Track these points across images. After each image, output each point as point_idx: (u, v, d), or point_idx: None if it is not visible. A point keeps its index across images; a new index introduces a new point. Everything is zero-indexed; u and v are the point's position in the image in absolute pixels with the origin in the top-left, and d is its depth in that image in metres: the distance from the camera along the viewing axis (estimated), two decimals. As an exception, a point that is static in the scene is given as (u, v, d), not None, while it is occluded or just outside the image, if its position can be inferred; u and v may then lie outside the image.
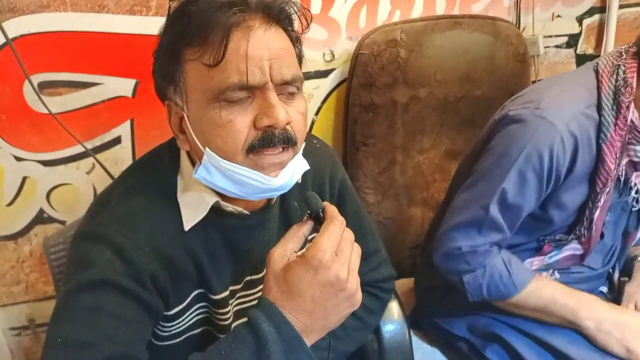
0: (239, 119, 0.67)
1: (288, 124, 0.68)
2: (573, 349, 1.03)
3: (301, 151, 0.74)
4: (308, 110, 1.47)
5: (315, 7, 1.40)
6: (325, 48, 1.46)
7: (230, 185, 0.70)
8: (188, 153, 0.76)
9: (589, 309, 1.04)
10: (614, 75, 1.00)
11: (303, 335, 0.61)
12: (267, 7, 0.67)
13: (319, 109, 1.52)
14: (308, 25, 0.75)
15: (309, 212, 0.68)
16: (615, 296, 1.20)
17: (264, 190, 0.71)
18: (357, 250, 0.66)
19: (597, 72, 1.03)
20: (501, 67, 1.47)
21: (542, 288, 1.06)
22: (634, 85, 0.97)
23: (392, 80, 1.40)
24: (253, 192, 0.71)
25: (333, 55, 1.47)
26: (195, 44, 0.67)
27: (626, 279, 1.23)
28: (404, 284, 1.41)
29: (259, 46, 0.66)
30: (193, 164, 0.76)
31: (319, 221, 0.67)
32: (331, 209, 0.67)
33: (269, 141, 0.67)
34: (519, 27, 1.62)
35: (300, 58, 0.77)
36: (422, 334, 1.30)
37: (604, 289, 1.22)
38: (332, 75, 1.49)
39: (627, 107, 0.97)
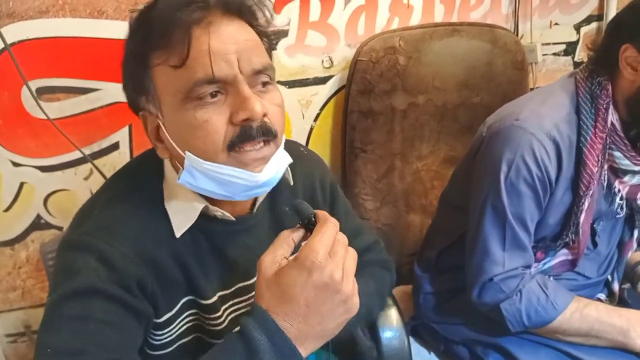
0: (215, 117, 0.66)
1: (265, 116, 0.67)
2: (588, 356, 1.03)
3: (283, 145, 0.73)
4: (307, 116, 1.50)
5: (314, 13, 1.40)
6: (324, 55, 1.46)
7: (215, 186, 0.70)
8: (170, 160, 0.76)
9: None
10: (589, 80, 1.02)
11: (297, 342, 0.60)
12: (226, 3, 0.67)
13: (318, 115, 1.52)
14: (271, 16, 0.73)
15: (300, 220, 0.67)
16: (615, 304, 1.20)
17: (250, 188, 0.70)
18: (352, 254, 0.65)
19: (576, 78, 1.05)
20: (499, 74, 1.48)
21: (584, 308, 1.03)
22: (609, 88, 0.99)
23: (390, 87, 1.40)
24: (239, 191, 0.70)
25: (332, 62, 1.47)
26: (160, 47, 0.66)
27: (627, 285, 1.23)
28: (402, 291, 1.40)
29: (224, 40, 0.65)
30: (176, 170, 0.75)
31: (310, 228, 0.66)
32: (323, 213, 0.66)
33: (248, 135, 0.66)
34: (517, 35, 1.62)
35: (270, 52, 0.75)
36: (421, 341, 1.29)
37: (602, 296, 1.21)
38: (330, 82, 1.50)
39: (606, 110, 0.99)
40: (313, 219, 0.66)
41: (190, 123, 0.66)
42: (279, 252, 0.64)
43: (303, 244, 0.64)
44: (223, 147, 0.67)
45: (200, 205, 0.74)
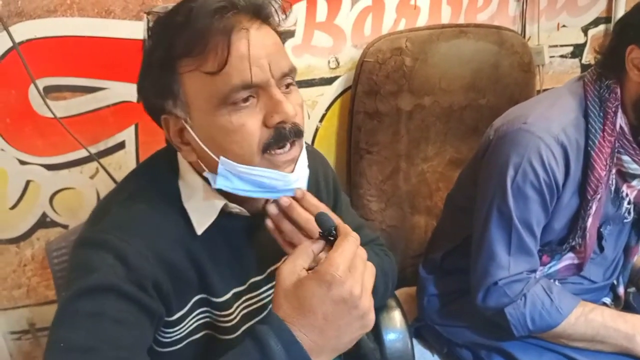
0: (250, 121, 0.67)
1: (294, 117, 0.69)
2: None
3: (304, 144, 0.76)
4: (313, 117, 1.50)
5: (321, 14, 1.40)
6: (331, 55, 1.46)
7: (251, 187, 0.71)
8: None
9: None
10: (598, 82, 1.01)
11: (313, 354, 0.59)
12: (255, 8, 0.69)
13: (324, 116, 1.52)
14: (285, 18, 0.75)
15: (320, 231, 0.67)
16: (620, 308, 1.19)
17: (283, 187, 0.72)
18: (370, 269, 0.65)
19: (584, 81, 1.04)
20: (506, 76, 1.47)
21: (589, 313, 1.03)
22: (618, 91, 0.98)
23: (396, 88, 1.40)
24: (273, 190, 0.72)
25: (338, 63, 1.47)
26: (193, 54, 0.66)
27: (632, 289, 1.23)
28: (406, 293, 1.40)
29: (256, 46, 0.67)
30: (197, 170, 0.76)
31: (330, 240, 0.66)
32: (344, 227, 0.66)
33: (283, 136, 0.68)
34: (524, 37, 1.62)
35: None
36: (425, 343, 1.29)
37: (607, 300, 1.21)
38: (336, 83, 1.50)
39: (615, 113, 0.98)
40: (334, 231, 0.66)
41: (225, 127, 0.67)
42: (298, 263, 0.63)
43: (322, 255, 0.64)
44: (258, 150, 0.68)
45: (220, 203, 0.75)
